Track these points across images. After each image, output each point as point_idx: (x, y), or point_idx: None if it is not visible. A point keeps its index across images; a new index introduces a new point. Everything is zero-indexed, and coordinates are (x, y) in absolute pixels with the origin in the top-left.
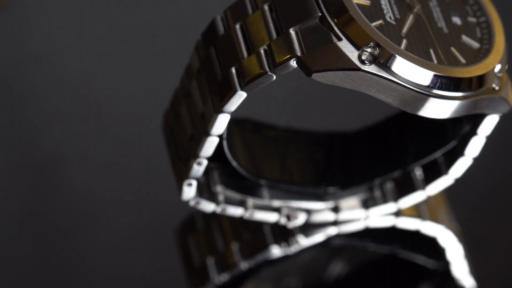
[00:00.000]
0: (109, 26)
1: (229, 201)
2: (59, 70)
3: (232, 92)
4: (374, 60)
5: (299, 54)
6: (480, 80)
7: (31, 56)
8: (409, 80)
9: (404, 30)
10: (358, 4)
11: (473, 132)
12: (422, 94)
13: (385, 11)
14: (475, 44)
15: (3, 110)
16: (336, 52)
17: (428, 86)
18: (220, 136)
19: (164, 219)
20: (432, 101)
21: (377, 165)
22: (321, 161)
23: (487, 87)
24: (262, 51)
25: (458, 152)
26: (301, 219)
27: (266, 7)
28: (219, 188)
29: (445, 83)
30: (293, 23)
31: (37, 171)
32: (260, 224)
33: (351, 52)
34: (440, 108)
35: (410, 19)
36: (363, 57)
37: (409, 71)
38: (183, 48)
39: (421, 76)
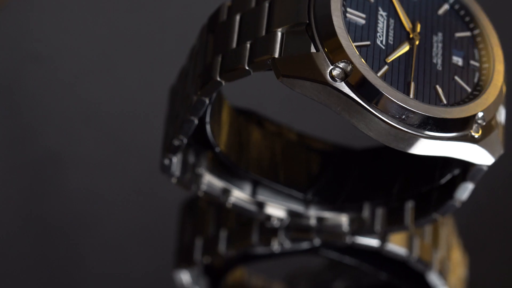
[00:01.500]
0: (108, 27)
1: (212, 187)
2: (58, 70)
3: (210, 79)
4: (345, 77)
5: (276, 55)
6: (454, 124)
7: (30, 56)
8: (375, 106)
9: (391, 57)
10: (350, 21)
11: (462, 177)
12: (384, 121)
13: (378, 34)
14: (467, 88)
15: (3, 110)
16: (309, 62)
17: (393, 116)
18: (203, 120)
19: (162, 219)
20: (392, 131)
21: (364, 189)
22: (315, 169)
23: (463, 133)
24: (248, 45)
25: (446, 193)
26: (281, 220)
27: (266, 4)
28: (203, 171)
29: (412, 117)
30: (281, 24)
31: (36, 171)
32: (251, 218)
33: (324, 65)
34: (403, 140)
35: (403, 48)
36: (334, 73)
37: (376, 96)
38: (183, 49)
39: (388, 104)
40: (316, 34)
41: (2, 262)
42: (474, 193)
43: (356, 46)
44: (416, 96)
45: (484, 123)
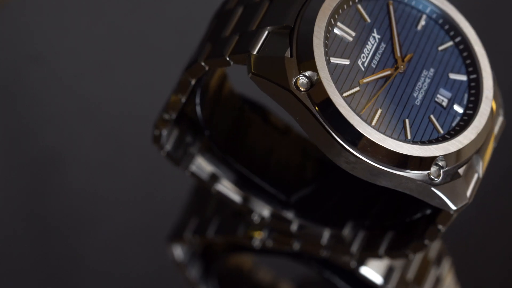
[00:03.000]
0: (108, 27)
1: (201, 170)
2: (58, 70)
3: (195, 62)
4: (309, 89)
5: (254, 52)
6: (410, 161)
7: (30, 56)
8: (330, 124)
9: (366, 80)
10: (337, 35)
11: (432, 219)
12: (336, 141)
13: (362, 55)
14: (439, 130)
15: (2, 110)
16: (278, 65)
17: (346, 139)
18: (194, 102)
19: (162, 218)
20: (343, 152)
21: (346, 207)
22: (306, 175)
23: (421, 173)
24: (237, 36)
25: (418, 231)
26: (262, 218)
27: (267, 2)
28: (195, 151)
29: (366, 144)
30: (270, 24)
31: (36, 170)
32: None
33: (292, 72)
34: (354, 164)
35: (383, 73)
36: (299, 82)
37: (333, 114)
38: (183, 48)
39: (343, 125)
40: (294, 39)
41: (2, 261)
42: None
43: (332, 61)
44: (379, 124)
45: (446, 168)
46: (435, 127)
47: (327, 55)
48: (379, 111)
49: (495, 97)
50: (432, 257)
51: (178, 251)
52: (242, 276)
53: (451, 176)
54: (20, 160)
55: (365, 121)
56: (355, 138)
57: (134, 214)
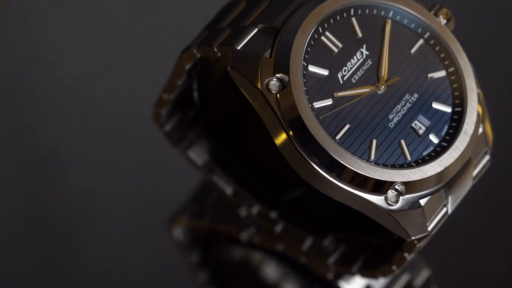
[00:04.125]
0: (108, 26)
1: (198, 156)
2: (58, 69)
3: (188, 48)
4: (278, 91)
5: (237, 47)
6: (365, 181)
7: (30, 55)
8: (291, 129)
9: (341, 93)
10: (322, 44)
11: (399, 245)
12: (296, 148)
13: (344, 68)
14: (407, 156)
15: (3, 109)
16: (255, 63)
17: (305, 148)
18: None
19: (163, 216)
20: (302, 161)
21: (329, 218)
22: (299, 179)
23: (378, 196)
24: (230, 30)
25: (388, 255)
26: (247, 213)
27: (268, 0)
28: (194, 137)
29: (323, 157)
30: (261, 22)
31: (37, 169)
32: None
33: (266, 72)
34: (314, 177)
35: (361, 90)
36: (271, 83)
37: (297, 122)
38: (182, 47)
39: (304, 133)
40: (277, 41)
41: (3, 260)
42: (473, 193)
43: (310, 69)
44: (344, 140)
45: (405, 196)
46: (403, 152)
47: (307, 62)
48: (347, 126)
49: (485, 136)
50: (418, 285)
51: (178, 232)
52: (247, 268)
53: (411, 205)
54: (21, 159)
55: (329, 134)
56: (314, 149)
57: (135, 212)
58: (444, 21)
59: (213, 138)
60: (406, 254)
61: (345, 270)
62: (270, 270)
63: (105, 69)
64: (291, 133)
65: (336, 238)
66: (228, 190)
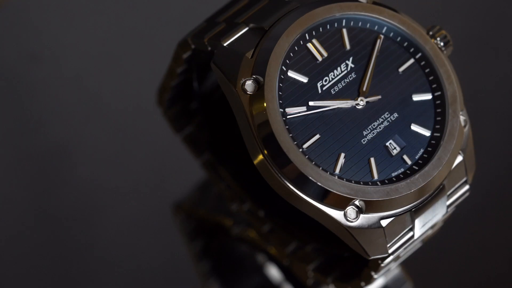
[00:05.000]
0: (113, 21)
1: (196, 143)
2: (64, 64)
3: (184, 37)
4: (252, 91)
5: (224, 44)
6: (326, 195)
7: (36, 51)
8: (257, 131)
9: (316, 103)
10: (307, 51)
11: (366, 262)
12: (261, 151)
13: (326, 78)
14: (374, 175)
15: (9, 105)
16: (235, 62)
17: (269, 152)
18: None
19: (169, 210)
20: (264, 162)
21: (309, 226)
22: None
23: (338, 210)
24: (224, 25)
25: (357, 270)
26: (236, 207)
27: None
28: (195, 124)
29: (285, 163)
30: (252, 21)
31: (43, 164)
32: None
33: (244, 72)
34: (274, 180)
35: (337, 102)
36: (246, 83)
37: (264, 126)
38: None
39: (269, 138)
40: (262, 42)
41: (11, 255)
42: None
43: (289, 74)
44: (311, 150)
45: (366, 214)
46: (371, 170)
47: (287, 66)
48: (317, 136)
49: (466, 165)
50: None
51: (180, 218)
52: (250, 265)
53: (371, 224)
54: (27, 153)
55: (296, 141)
56: (277, 154)
57: (141, 205)
58: (441, 44)
59: (211, 130)
60: (372, 272)
61: (322, 279)
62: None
63: (109, 65)
64: (257, 135)
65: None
66: (223, 183)
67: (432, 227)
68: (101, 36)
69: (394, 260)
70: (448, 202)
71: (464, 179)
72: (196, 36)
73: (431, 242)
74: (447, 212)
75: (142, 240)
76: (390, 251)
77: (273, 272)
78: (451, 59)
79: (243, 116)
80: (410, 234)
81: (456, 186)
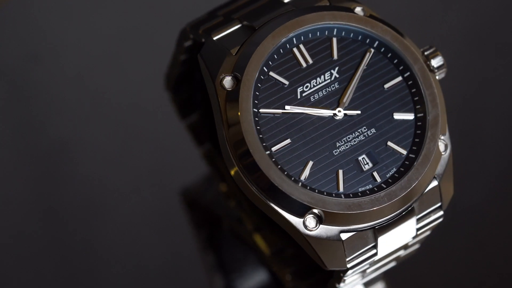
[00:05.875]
0: (115, 18)
1: (197, 131)
2: (66, 61)
3: (185, 26)
4: (230, 88)
5: (214, 38)
6: (287, 200)
7: (38, 48)
8: (228, 128)
9: (293, 109)
10: (292, 55)
11: (331, 272)
12: (227, 145)
13: (307, 84)
14: (340, 189)
15: (12, 102)
16: (219, 56)
17: (236, 150)
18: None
19: (174, 206)
20: (230, 158)
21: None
22: None
23: (298, 218)
24: (221, 18)
25: (325, 280)
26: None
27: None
28: (199, 114)
29: (250, 165)
30: (246, 19)
31: (46, 161)
32: None
33: (226, 67)
34: (240, 179)
35: (314, 110)
36: (225, 79)
37: (235, 123)
38: None
39: (236, 135)
40: (248, 41)
41: (13, 253)
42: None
43: (271, 75)
44: (279, 153)
45: (325, 225)
46: (337, 182)
47: (269, 68)
48: (288, 141)
49: (441, 191)
50: None
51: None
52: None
53: (330, 236)
54: (31, 150)
55: (265, 143)
56: (244, 154)
57: (145, 202)
58: (433, 65)
59: (211, 123)
60: (336, 284)
61: (299, 285)
62: None
63: (111, 63)
64: (227, 133)
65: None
66: (221, 179)
67: (404, 247)
68: (103, 35)
69: (361, 275)
70: (419, 225)
71: (438, 204)
72: (194, 26)
73: (430, 242)
74: (417, 235)
75: (144, 238)
76: (349, 265)
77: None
78: (451, 60)
79: (218, 112)
80: (373, 251)
81: (429, 210)
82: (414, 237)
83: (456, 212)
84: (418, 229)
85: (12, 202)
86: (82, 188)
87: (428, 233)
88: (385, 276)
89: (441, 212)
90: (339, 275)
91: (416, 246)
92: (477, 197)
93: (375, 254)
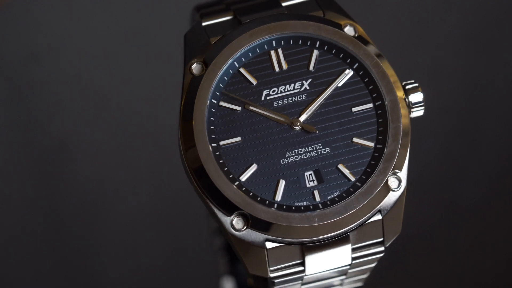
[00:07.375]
0: (116, 18)
1: None
2: (66, 61)
3: (195, 6)
4: (196, 74)
5: (203, 23)
6: (217, 196)
7: (38, 48)
8: (183, 114)
9: (253, 108)
10: (269, 58)
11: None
12: (179, 133)
13: (274, 89)
14: (277, 197)
15: (11, 102)
16: (199, 43)
17: (185, 139)
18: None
19: (175, 206)
20: (180, 148)
21: None
22: None
23: (224, 215)
24: (223, 6)
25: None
26: None
27: None
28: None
29: (192, 154)
30: (240, 12)
31: (46, 161)
32: None
33: (204, 55)
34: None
35: (273, 115)
36: (194, 65)
37: (189, 117)
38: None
39: (188, 125)
40: (229, 33)
41: (12, 253)
42: (472, 193)
43: (240, 71)
44: (226, 149)
45: (251, 229)
46: (275, 191)
47: (240, 64)
48: (237, 139)
49: (384, 227)
50: None
51: None
52: None
53: (254, 241)
54: (30, 150)
55: (214, 135)
56: (190, 140)
57: (145, 202)
58: (411, 100)
59: None
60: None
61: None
62: None
63: (111, 62)
64: (181, 114)
65: None
66: None
67: (343, 273)
68: (103, 35)
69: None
70: (355, 255)
71: (379, 239)
72: (199, 8)
73: (431, 242)
74: (354, 264)
75: (144, 238)
76: (271, 275)
77: None
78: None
79: (181, 95)
80: (300, 268)
81: (368, 243)
82: (351, 266)
83: (456, 212)
84: (354, 258)
85: (11, 202)
86: (82, 188)
87: (372, 265)
88: (383, 275)
89: (382, 248)
90: (272, 282)
91: (365, 275)
92: (477, 197)
93: (303, 271)
